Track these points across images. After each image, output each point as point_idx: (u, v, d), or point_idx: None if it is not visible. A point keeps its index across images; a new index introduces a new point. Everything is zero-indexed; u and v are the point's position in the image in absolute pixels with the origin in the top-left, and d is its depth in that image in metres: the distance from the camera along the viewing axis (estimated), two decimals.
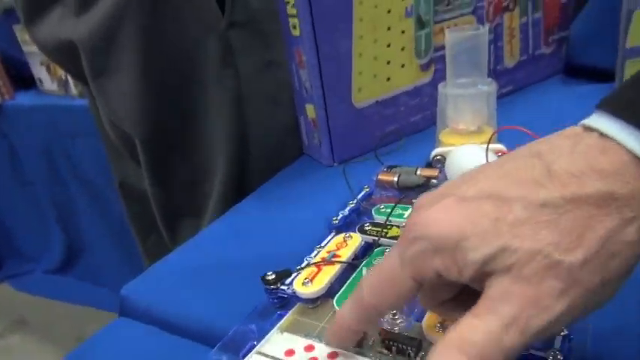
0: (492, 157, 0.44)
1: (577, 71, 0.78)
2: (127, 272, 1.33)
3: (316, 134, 0.59)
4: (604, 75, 0.71)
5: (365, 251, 0.39)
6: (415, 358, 0.28)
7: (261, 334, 0.33)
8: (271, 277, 0.35)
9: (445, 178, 0.47)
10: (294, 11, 0.53)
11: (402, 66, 0.60)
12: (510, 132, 0.45)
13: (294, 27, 0.54)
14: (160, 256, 0.48)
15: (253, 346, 0.32)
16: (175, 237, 0.74)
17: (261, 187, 0.58)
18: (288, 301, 0.36)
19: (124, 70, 0.61)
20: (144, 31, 0.58)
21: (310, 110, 0.58)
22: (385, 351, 0.29)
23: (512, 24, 0.71)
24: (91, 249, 1.53)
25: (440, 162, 0.51)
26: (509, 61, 0.72)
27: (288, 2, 0.53)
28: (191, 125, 0.64)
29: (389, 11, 0.57)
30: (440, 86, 0.54)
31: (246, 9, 0.61)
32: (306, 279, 0.34)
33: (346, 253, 0.37)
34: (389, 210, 0.43)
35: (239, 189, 0.65)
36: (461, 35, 0.51)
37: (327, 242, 0.40)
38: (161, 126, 0.64)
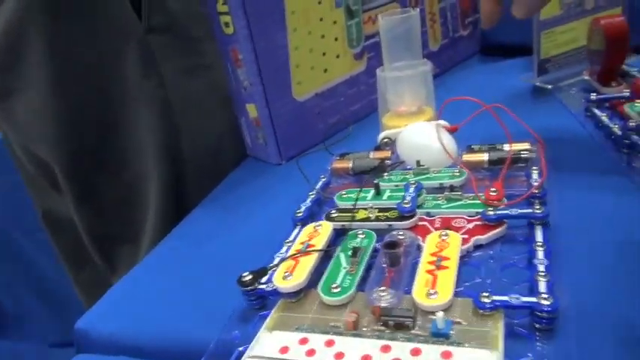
0: (442, 131, 0.45)
1: (493, 50, 0.83)
2: (55, 321, 1.22)
3: (260, 134, 0.58)
4: (518, 50, 0.75)
5: (337, 238, 0.38)
6: (414, 327, 0.27)
7: (247, 339, 0.31)
8: (248, 277, 0.33)
9: (398, 158, 0.48)
10: (225, 9, 0.51)
11: (337, 56, 0.60)
12: (448, 110, 0.46)
13: (227, 25, 0.52)
14: (98, 290, 0.44)
15: (240, 354, 0.30)
16: (114, 265, 0.69)
17: (209, 195, 0.56)
18: (267, 300, 0.34)
19: (33, 88, 0.56)
20: (50, 42, 0.53)
21: (252, 110, 0.57)
22: (382, 327, 0.28)
23: (433, 9, 0.73)
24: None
25: (388, 144, 0.52)
26: (433, 45, 0.75)
27: (218, 0, 0.52)
28: (116, 142, 0.60)
29: (319, 2, 0.57)
30: (378, 71, 0.55)
31: (165, 12, 0.58)
32: (286, 272, 0.33)
33: (320, 242, 0.36)
34: (351, 195, 0.43)
35: (178, 204, 0.62)
36: (394, 19, 0.52)
37: (296, 235, 0.39)
38: (81, 146, 0.59)
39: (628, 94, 0.49)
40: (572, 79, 0.60)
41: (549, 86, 0.61)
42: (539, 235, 0.33)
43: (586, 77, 0.58)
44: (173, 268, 0.44)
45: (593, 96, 0.51)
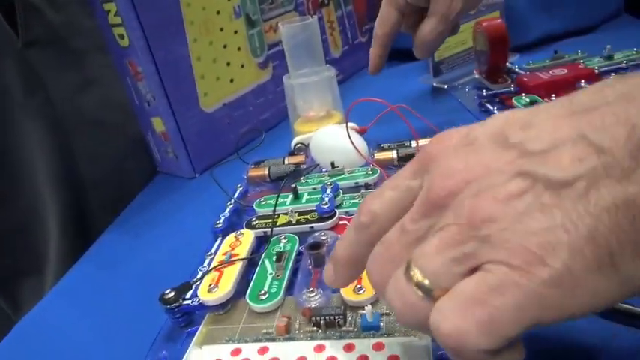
0: (352, 132, 0.46)
1: (393, 54, 0.87)
2: None
3: (170, 148, 0.56)
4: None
5: (260, 245, 0.38)
6: (345, 324, 0.28)
7: (177, 358, 0.29)
8: (170, 294, 0.32)
9: (312, 162, 0.48)
10: (118, 20, 0.49)
11: (242, 66, 0.60)
12: (356, 114, 0.48)
13: (122, 37, 0.50)
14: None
15: None
16: (16, 301, 0.62)
17: (120, 215, 0.53)
18: (194, 316, 0.33)
19: None
20: None
21: (158, 124, 0.55)
22: (314, 328, 0.28)
23: (331, 17, 0.76)
24: None
25: (302, 149, 0.52)
26: (334, 52, 0.77)
27: (109, 11, 0.49)
28: (5, 167, 0.55)
29: (218, 12, 0.56)
30: (284, 78, 0.56)
31: (44, 25, 0.54)
32: (210, 285, 0.32)
33: (243, 250, 0.35)
34: (270, 202, 0.43)
35: (84, 228, 0.58)
36: (294, 26, 0.53)
37: (217, 246, 0.38)
38: None
39: (513, 88, 0.54)
40: (465, 78, 0.65)
41: (445, 86, 0.65)
42: None
43: (476, 76, 0.63)
44: (86, 295, 0.41)
45: (485, 92, 0.55)
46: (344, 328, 0.28)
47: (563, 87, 0.52)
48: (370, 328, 0.28)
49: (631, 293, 0.16)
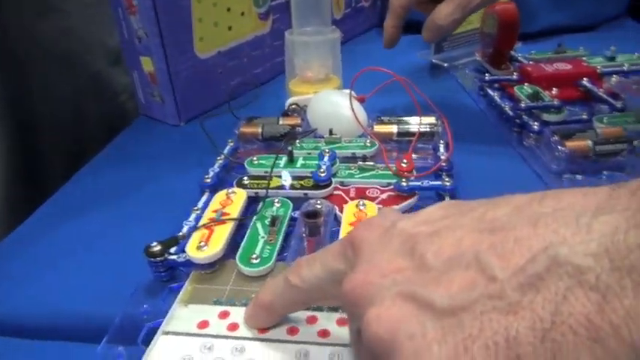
0: (354, 101, 0.45)
1: None
2: None
3: (156, 91, 0.53)
4: (416, 26, 0.78)
5: (249, 206, 0.37)
6: None
7: (157, 314, 0.28)
8: (156, 248, 0.30)
9: (308, 125, 0.47)
10: None
11: (242, 14, 0.57)
12: (350, 79, 0.46)
13: None
14: None
15: (150, 329, 0.27)
16: None
17: (97, 156, 0.50)
18: (176, 272, 0.32)
19: None
20: None
21: (147, 63, 0.51)
22: None
23: None
24: None
25: (296, 111, 0.51)
26: (336, 13, 0.74)
27: None
28: None
29: None
30: (287, 33, 0.53)
31: None
32: (200, 243, 0.30)
33: (235, 210, 0.34)
34: (263, 162, 0.41)
35: (34, 175, 0.54)
36: None
37: (205, 202, 0.37)
38: None
39: (516, 77, 0.54)
40: (466, 59, 0.63)
41: (445, 64, 0.64)
42: None
43: (478, 58, 0.62)
44: (50, 242, 0.38)
45: (486, 77, 0.54)
46: None
47: (565, 82, 0.51)
48: None
49: None
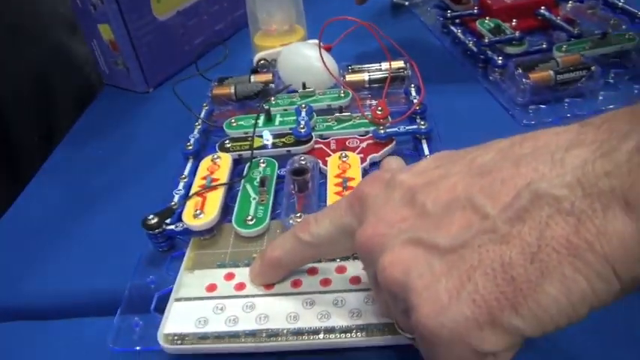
0: (323, 52, 0.45)
1: None
2: None
3: (120, 59, 0.51)
4: None
5: (235, 167, 0.38)
6: None
7: (164, 283, 0.30)
8: (154, 220, 0.31)
9: (279, 80, 0.47)
10: None
11: None
12: (315, 29, 0.46)
13: None
14: None
15: (161, 297, 0.29)
16: None
17: (67, 136, 0.49)
18: (175, 240, 0.33)
19: None
20: None
21: (106, 31, 0.50)
22: None
23: None
24: None
25: (265, 66, 0.51)
26: None
27: None
28: None
29: None
30: None
31: None
32: (196, 210, 0.31)
33: (223, 175, 0.35)
34: (241, 122, 0.42)
35: (3, 150, 0.53)
36: None
37: (191, 170, 0.37)
38: None
39: (477, 11, 0.54)
40: None
41: (406, 2, 0.64)
42: (425, 149, 0.37)
43: None
44: (46, 217, 0.38)
45: (448, 13, 0.55)
46: None
47: (524, 12, 0.52)
48: None
49: (522, 341, 0.18)
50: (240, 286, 0.28)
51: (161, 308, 0.28)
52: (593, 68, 0.41)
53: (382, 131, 0.38)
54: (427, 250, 0.19)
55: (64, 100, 0.56)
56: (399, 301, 0.20)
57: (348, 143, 0.38)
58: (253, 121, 0.40)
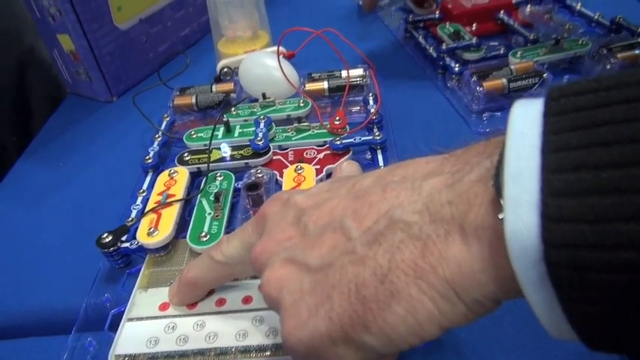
0: (283, 61, 0.45)
1: None
2: None
3: (82, 69, 0.51)
4: None
5: (192, 180, 0.38)
6: None
7: (119, 301, 0.30)
8: (108, 238, 0.32)
9: (241, 90, 0.47)
10: None
11: None
12: (279, 33, 0.46)
13: None
14: None
15: (115, 315, 0.29)
16: None
17: (31, 144, 0.49)
18: (132, 256, 0.33)
19: None
20: None
21: (66, 42, 0.49)
22: None
23: None
24: None
25: (228, 74, 0.51)
26: None
27: None
28: None
29: None
30: None
31: None
32: (150, 228, 0.32)
33: (179, 190, 0.35)
34: (201, 135, 0.42)
35: None
36: None
37: (149, 184, 0.38)
38: None
39: (438, 15, 0.55)
40: None
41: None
42: (380, 159, 0.38)
43: None
44: (3, 237, 0.38)
45: (411, 17, 0.56)
46: None
47: (484, 16, 0.53)
48: None
49: (375, 356, 0.19)
50: (192, 305, 0.28)
51: (115, 327, 0.28)
52: (545, 76, 0.42)
53: (339, 142, 0.38)
54: (300, 269, 0.20)
55: (39, 101, 0.56)
56: (276, 312, 0.21)
57: (306, 154, 0.39)
58: (212, 133, 0.40)
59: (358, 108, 0.44)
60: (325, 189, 0.23)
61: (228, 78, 0.50)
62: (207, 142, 0.40)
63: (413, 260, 0.17)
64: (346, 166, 0.30)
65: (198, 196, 0.35)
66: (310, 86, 0.45)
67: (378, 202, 0.19)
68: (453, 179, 0.18)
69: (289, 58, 0.51)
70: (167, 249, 0.32)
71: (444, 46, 0.48)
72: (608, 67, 0.43)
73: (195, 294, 0.28)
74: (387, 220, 0.18)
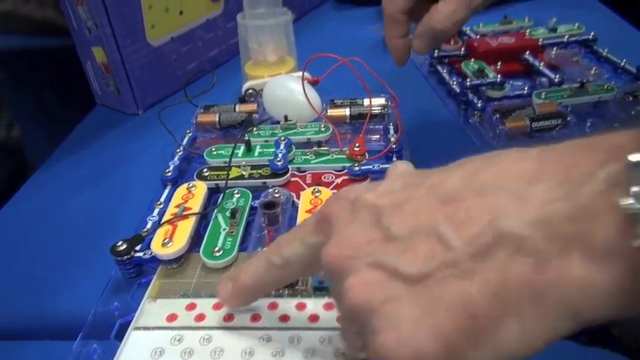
0: (307, 86, 0.46)
1: None
2: None
3: (111, 81, 0.53)
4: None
5: (210, 196, 0.38)
6: (297, 284, 0.30)
7: (128, 310, 0.30)
8: (122, 246, 0.32)
9: (264, 111, 0.48)
10: None
11: None
12: (305, 59, 0.47)
13: None
14: None
15: (122, 324, 0.29)
16: None
17: (55, 152, 0.50)
18: (144, 267, 0.33)
19: None
20: None
21: (99, 54, 0.51)
22: None
23: None
24: None
25: (253, 95, 0.52)
26: None
27: None
28: None
29: None
30: (238, 17, 0.53)
31: None
32: (165, 239, 0.32)
33: (196, 204, 0.36)
34: (221, 152, 0.42)
35: None
36: None
37: (167, 196, 0.38)
38: None
39: (463, 52, 0.56)
40: None
41: None
42: None
43: None
44: (20, 240, 0.39)
45: (436, 53, 0.56)
46: (297, 287, 0.30)
47: (509, 56, 0.54)
48: (321, 289, 0.29)
49: None
50: (200, 317, 0.28)
51: (121, 336, 0.28)
52: (568, 118, 0.42)
53: (357, 168, 0.38)
54: (390, 276, 0.19)
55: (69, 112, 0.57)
56: (357, 322, 0.20)
57: (324, 178, 0.39)
58: (233, 151, 0.41)
59: (378, 137, 0.45)
60: (397, 186, 0.21)
61: (252, 99, 0.51)
62: (227, 160, 0.40)
63: (527, 278, 0.16)
64: (402, 164, 0.27)
65: (215, 211, 0.35)
66: (332, 112, 0.46)
67: (475, 207, 0.18)
68: (565, 190, 0.16)
69: (313, 84, 0.52)
70: (180, 261, 0.32)
71: (467, 82, 0.48)
72: (633, 113, 0.42)
73: (250, 298, 0.27)
74: (494, 231, 0.17)
